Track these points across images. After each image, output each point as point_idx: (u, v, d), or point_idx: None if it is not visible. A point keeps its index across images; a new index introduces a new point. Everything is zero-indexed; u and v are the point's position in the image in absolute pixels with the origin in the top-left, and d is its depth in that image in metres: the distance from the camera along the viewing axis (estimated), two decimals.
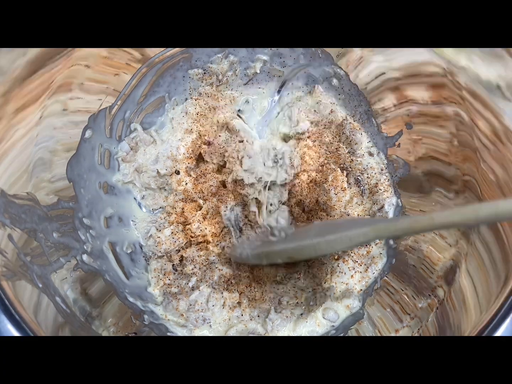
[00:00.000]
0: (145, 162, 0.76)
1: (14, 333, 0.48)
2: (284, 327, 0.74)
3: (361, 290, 0.75)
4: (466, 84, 0.60)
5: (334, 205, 0.76)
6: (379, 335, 0.70)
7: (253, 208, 0.76)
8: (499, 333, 0.48)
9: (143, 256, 0.76)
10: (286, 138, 0.81)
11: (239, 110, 0.81)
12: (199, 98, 0.79)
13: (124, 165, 0.75)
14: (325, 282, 0.75)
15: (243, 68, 0.79)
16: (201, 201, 0.77)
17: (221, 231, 0.77)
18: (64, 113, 0.63)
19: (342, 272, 0.75)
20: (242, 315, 0.74)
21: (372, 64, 0.72)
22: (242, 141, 0.78)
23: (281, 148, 0.78)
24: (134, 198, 0.78)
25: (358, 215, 0.77)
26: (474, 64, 0.58)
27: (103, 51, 0.65)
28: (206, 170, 0.78)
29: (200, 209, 0.77)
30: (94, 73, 0.65)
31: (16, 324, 0.49)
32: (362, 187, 0.78)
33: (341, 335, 0.73)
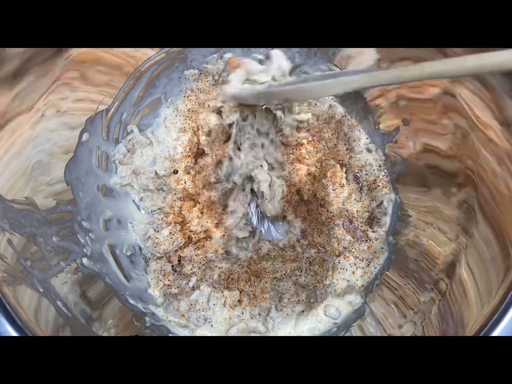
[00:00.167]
0: (143, 164, 0.76)
1: (13, 333, 0.48)
2: (285, 325, 0.74)
3: (363, 285, 0.75)
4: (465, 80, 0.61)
5: (332, 200, 0.77)
6: (382, 331, 0.70)
7: None
8: (502, 324, 0.48)
9: (143, 258, 0.76)
10: None
11: None
12: (191, 95, 0.78)
13: (121, 167, 0.75)
14: (326, 279, 0.75)
15: None
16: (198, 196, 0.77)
17: (221, 217, 0.77)
18: (61, 116, 0.63)
19: (343, 269, 0.75)
20: (242, 313, 0.74)
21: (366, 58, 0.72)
22: None
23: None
24: (133, 200, 0.78)
25: (357, 211, 0.77)
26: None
27: (99, 52, 0.65)
28: (204, 164, 0.78)
29: (195, 206, 0.77)
30: (91, 76, 0.65)
31: (15, 324, 0.49)
32: (360, 184, 0.78)
33: (343, 332, 0.73)
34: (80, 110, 0.67)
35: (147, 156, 0.76)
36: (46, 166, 0.62)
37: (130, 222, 0.76)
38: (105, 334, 0.64)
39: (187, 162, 0.77)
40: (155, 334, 0.71)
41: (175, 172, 0.76)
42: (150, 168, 0.75)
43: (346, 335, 0.73)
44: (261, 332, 0.74)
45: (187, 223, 0.76)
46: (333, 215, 0.77)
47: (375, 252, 0.76)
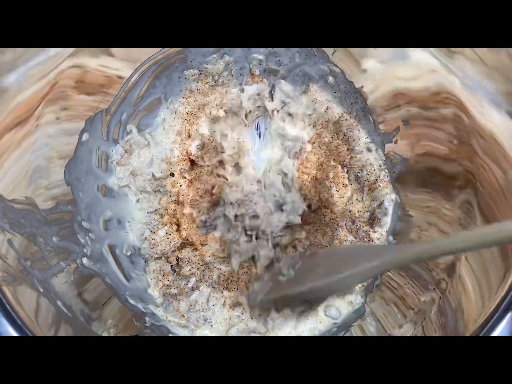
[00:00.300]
0: (140, 165, 0.75)
1: (13, 333, 0.48)
2: (285, 325, 0.74)
3: (363, 285, 0.75)
4: (464, 81, 0.61)
5: (336, 201, 0.77)
6: (382, 330, 0.70)
7: None
8: (502, 324, 0.48)
9: (143, 258, 0.76)
10: None
11: None
12: (190, 96, 0.78)
13: (119, 168, 0.75)
14: None
15: (239, 68, 0.79)
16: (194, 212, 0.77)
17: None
18: (60, 118, 0.63)
19: None
20: (242, 313, 0.74)
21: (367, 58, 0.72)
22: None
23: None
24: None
25: (358, 211, 0.77)
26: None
27: (98, 53, 0.65)
28: (200, 173, 0.78)
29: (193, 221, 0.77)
30: (90, 77, 0.65)
31: (15, 324, 0.49)
32: (362, 184, 0.78)
33: (343, 332, 0.73)
34: (78, 112, 0.67)
35: (144, 157, 0.76)
36: (44, 170, 0.62)
37: (128, 221, 0.76)
38: (104, 334, 0.64)
39: (183, 165, 0.77)
40: (155, 334, 0.71)
41: (172, 174, 0.76)
42: (147, 169, 0.75)
43: (346, 335, 0.73)
44: (261, 332, 0.73)
45: (182, 226, 0.76)
46: (336, 216, 0.77)
47: None
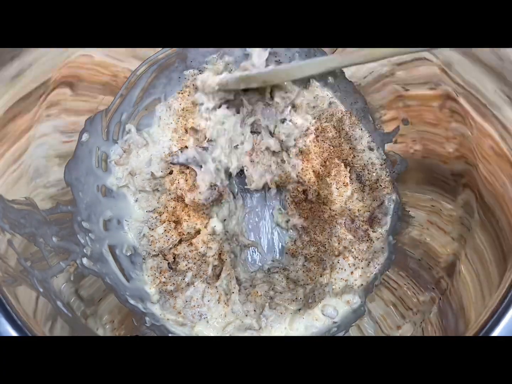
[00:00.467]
0: (139, 164, 0.75)
1: (13, 333, 0.48)
2: (279, 323, 0.75)
3: (362, 285, 0.75)
4: (463, 81, 0.61)
5: (335, 199, 0.77)
6: (380, 331, 0.70)
7: None
8: (502, 324, 0.48)
9: (141, 257, 0.76)
10: None
11: None
12: (185, 91, 0.78)
13: (117, 168, 0.75)
14: (321, 276, 0.75)
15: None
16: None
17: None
18: (60, 119, 0.63)
19: (342, 269, 0.76)
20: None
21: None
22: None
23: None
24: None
25: (358, 210, 0.78)
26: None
27: (97, 54, 0.65)
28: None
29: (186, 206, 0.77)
30: (89, 77, 0.65)
31: (15, 325, 0.49)
32: (363, 183, 0.78)
33: (343, 332, 0.74)
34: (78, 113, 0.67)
35: (143, 157, 0.75)
36: (44, 171, 0.62)
37: (126, 220, 0.76)
38: (100, 330, 0.64)
39: None
40: (155, 334, 0.71)
41: (171, 172, 0.76)
42: (146, 169, 0.75)
43: (346, 335, 0.73)
44: (255, 329, 0.74)
45: (181, 223, 0.76)
46: (335, 214, 0.77)
47: (375, 252, 0.76)
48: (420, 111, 0.70)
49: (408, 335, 0.66)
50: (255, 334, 0.74)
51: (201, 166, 0.74)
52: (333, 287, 0.75)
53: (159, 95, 0.76)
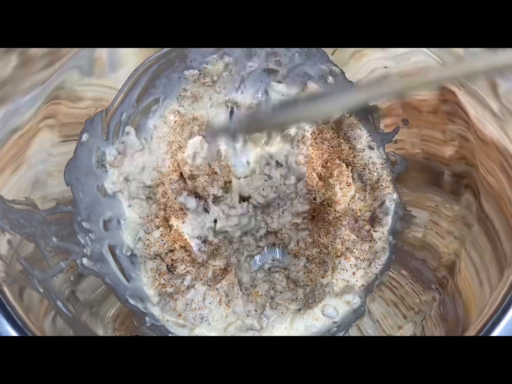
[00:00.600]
0: (133, 170, 0.74)
1: (13, 334, 0.48)
2: (280, 323, 0.75)
3: (363, 285, 0.75)
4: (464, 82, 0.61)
5: (339, 200, 0.77)
6: (381, 331, 0.70)
7: None
8: (502, 324, 0.48)
9: (139, 260, 0.75)
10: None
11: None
12: (182, 102, 0.78)
13: (112, 171, 0.74)
14: (322, 278, 0.75)
15: (238, 69, 0.78)
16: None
17: None
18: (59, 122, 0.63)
19: (343, 269, 0.76)
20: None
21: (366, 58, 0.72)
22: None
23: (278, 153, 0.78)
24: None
25: (359, 210, 0.78)
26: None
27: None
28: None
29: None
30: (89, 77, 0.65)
31: (16, 325, 0.49)
32: (364, 182, 0.78)
33: (343, 332, 0.74)
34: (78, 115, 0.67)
35: (137, 163, 0.75)
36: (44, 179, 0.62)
37: (123, 219, 0.75)
38: (100, 331, 0.64)
39: (172, 176, 0.76)
40: (155, 334, 0.71)
41: (162, 183, 0.76)
42: (139, 176, 0.74)
43: (345, 335, 0.74)
44: (257, 329, 0.74)
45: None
46: (340, 215, 0.77)
47: (376, 252, 0.76)
48: (420, 111, 0.70)
49: (409, 334, 0.66)
50: (256, 334, 0.74)
51: None
52: (334, 287, 0.75)
53: (159, 95, 0.76)
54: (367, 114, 0.77)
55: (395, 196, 0.77)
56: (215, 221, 0.75)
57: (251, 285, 0.76)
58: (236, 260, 0.76)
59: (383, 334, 0.70)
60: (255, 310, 0.74)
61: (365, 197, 0.78)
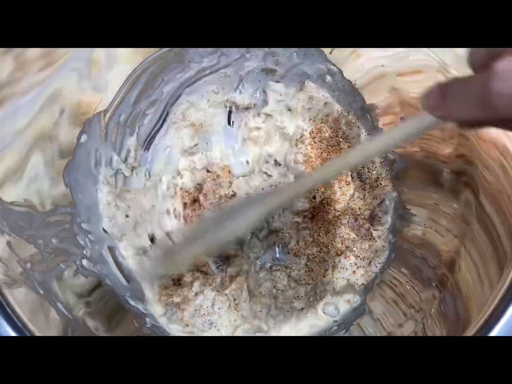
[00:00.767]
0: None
1: (12, 333, 0.48)
2: (286, 322, 0.74)
3: (363, 284, 0.75)
4: None
5: (339, 199, 0.77)
6: (382, 329, 0.70)
7: None
8: (501, 323, 0.48)
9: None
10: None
11: None
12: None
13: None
14: (323, 277, 0.75)
15: (236, 69, 0.78)
16: None
17: None
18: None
19: (343, 268, 0.76)
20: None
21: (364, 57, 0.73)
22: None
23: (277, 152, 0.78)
24: None
25: (359, 208, 0.78)
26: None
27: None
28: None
29: None
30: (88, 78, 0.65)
31: (16, 327, 0.49)
32: (364, 181, 0.78)
33: (343, 331, 0.74)
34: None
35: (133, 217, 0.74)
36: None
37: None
38: (103, 333, 0.64)
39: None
40: (156, 334, 0.71)
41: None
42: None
43: (347, 334, 0.73)
44: (264, 330, 0.74)
45: None
46: (339, 214, 0.77)
47: (376, 251, 0.76)
48: (418, 109, 0.70)
49: (410, 332, 0.66)
50: (263, 335, 0.74)
51: None
52: (334, 286, 0.75)
53: (158, 95, 0.76)
54: (365, 113, 0.77)
55: (394, 194, 0.77)
56: None
57: (254, 286, 0.76)
58: (248, 266, 0.76)
59: (384, 333, 0.70)
60: (261, 311, 0.74)
61: (364, 195, 0.78)
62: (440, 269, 0.67)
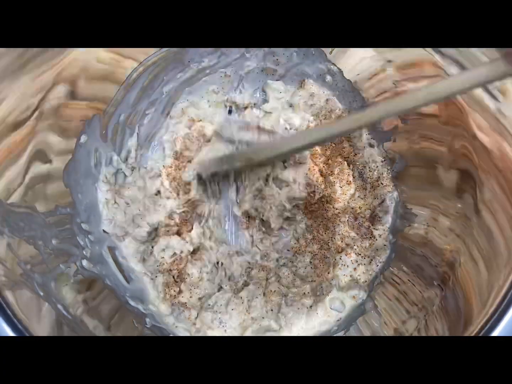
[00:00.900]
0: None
1: (11, 333, 0.48)
2: (298, 319, 0.74)
3: (366, 281, 0.75)
4: None
5: (339, 197, 0.77)
6: (385, 326, 0.71)
7: None
8: (502, 323, 0.48)
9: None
10: None
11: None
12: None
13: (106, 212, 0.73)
14: (328, 273, 0.75)
15: (236, 69, 0.78)
16: None
17: None
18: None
19: (344, 265, 0.76)
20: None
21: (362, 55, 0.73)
22: None
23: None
24: None
25: (359, 207, 0.78)
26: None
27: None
28: None
29: None
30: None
31: (16, 328, 0.49)
32: (365, 181, 0.78)
33: (344, 330, 0.74)
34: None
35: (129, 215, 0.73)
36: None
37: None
38: (103, 333, 0.64)
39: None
40: (156, 334, 0.71)
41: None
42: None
43: (351, 331, 0.74)
44: (276, 330, 0.73)
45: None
46: (339, 212, 0.77)
47: (377, 249, 0.76)
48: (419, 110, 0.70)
49: (413, 329, 0.66)
50: (274, 334, 0.74)
51: None
52: (339, 281, 0.75)
53: (157, 96, 0.75)
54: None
55: (395, 194, 0.77)
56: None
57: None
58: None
59: (388, 329, 0.70)
60: (271, 310, 0.74)
61: (365, 195, 0.78)
62: (441, 267, 0.67)
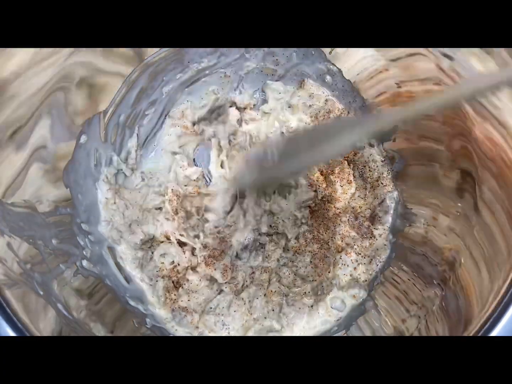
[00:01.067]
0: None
1: (11, 333, 0.48)
2: (299, 319, 0.74)
3: (366, 280, 0.75)
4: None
5: (339, 197, 0.77)
6: (386, 324, 0.71)
7: None
8: (501, 323, 0.48)
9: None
10: None
11: None
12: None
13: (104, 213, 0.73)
14: (328, 272, 0.75)
15: (235, 69, 0.78)
16: None
17: None
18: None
19: (344, 264, 0.76)
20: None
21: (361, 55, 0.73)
22: None
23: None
24: None
25: (359, 207, 0.78)
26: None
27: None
28: None
29: None
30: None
31: (16, 328, 0.49)
32: (365, 181, 0.78)
33: (343, 330, 0.74)
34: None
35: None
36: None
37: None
38: (103, 333, 0.64)
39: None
40: (156, 334, 0.71)
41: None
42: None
43: (351, 330, 0.74)
44: (278, 330, 0.73)
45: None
46: (340, 212, 0.77)
47: (377, 249, 0.76)
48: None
49: (413, 328, 0.66)
50: (276, 334, 0.73)
51: None
52: (339, 281, 0.75)
53: (157, 96, 0.76)
54: (365, 112, 0.77)
55: (395, 194, 0.78)
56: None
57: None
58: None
59: (388, 328, 0.70)
60: (272, 310, 0.74)
61: (365, 195, 0.78)
62: (441, 266, 0.67)
